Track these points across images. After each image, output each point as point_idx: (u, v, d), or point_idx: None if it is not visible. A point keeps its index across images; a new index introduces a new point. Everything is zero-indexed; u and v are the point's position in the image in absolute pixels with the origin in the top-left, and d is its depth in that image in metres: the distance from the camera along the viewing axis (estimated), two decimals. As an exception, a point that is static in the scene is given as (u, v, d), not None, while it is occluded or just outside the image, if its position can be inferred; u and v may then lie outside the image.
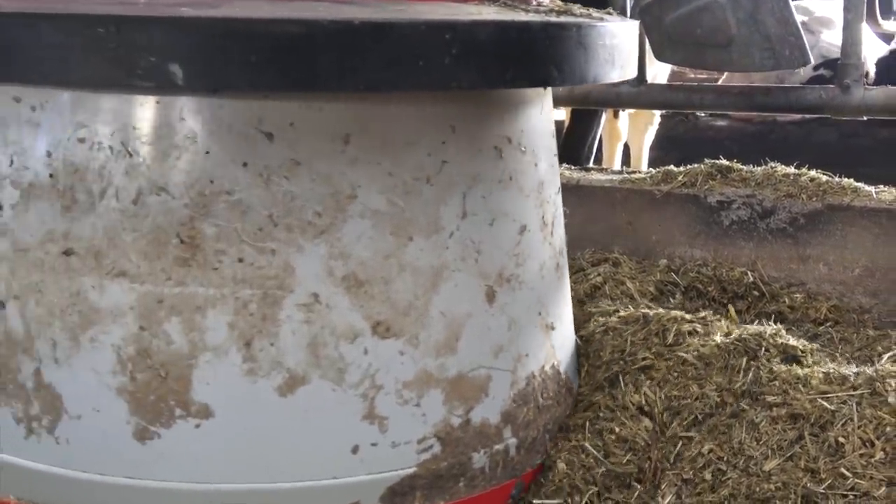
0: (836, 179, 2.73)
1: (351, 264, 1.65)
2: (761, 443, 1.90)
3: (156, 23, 1.42)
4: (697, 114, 6.34)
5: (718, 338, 2.15)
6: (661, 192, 2.93)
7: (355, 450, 1.70)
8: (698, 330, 2.20)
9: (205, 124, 1.58)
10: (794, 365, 2.06)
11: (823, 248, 2.73)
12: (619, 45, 1.77)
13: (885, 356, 2.15)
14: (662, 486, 1.90)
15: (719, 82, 5.22)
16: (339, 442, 1.70)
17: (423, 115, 1.69)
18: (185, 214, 1.60)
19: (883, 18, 6.26)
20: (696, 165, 2.92)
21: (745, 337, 2.14)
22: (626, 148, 5.12)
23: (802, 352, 2.09)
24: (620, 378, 2.11)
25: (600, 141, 4.70)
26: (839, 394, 1.96)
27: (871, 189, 2.68)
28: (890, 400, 1.91)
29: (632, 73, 1.87)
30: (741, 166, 2.87)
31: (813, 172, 2.77)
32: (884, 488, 1.78)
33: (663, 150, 3.90)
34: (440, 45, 1.48)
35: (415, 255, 1.69)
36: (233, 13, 1.46)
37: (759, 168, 2.85)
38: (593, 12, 1.91)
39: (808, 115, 4.75)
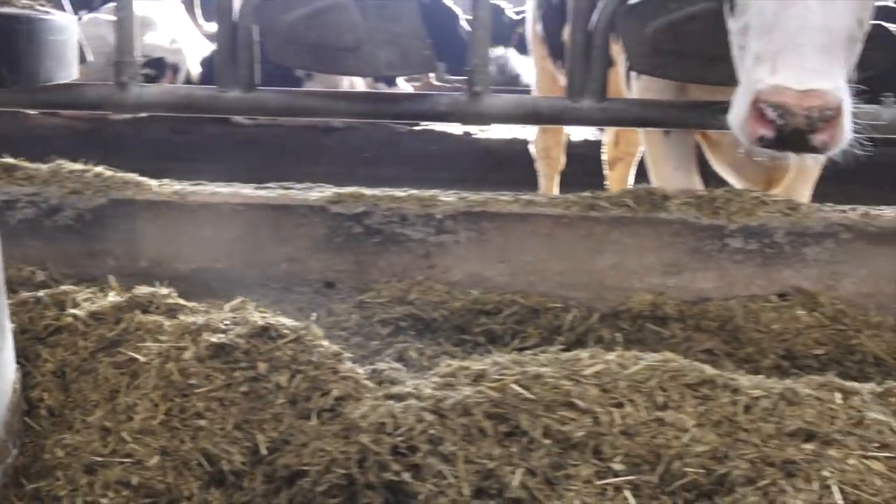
0: (122, 175, 2.95)
1: None
2: (100, 394, 1.93)
3: None
4: (28, 111, 5.79)
5: (112, 298, 2.22)
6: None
7: None
8: (92, 298, 2.25)
9: None
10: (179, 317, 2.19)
11: (111, 243, 2.93)
12: (68, 42, 1.76)
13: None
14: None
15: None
16: None
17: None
18: None
19: (206, 19, 6.55)
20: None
21: (139, 295, 2.24)
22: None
23: (192, 310, 2.25)
24: (28, 351, 2.05)
25: None
26: (163, 345, 2.01)
27: (154, 183, 2.97)
28: (185, 356, 1.97)
29: (76, 73, 1.86)
30: (27, 164, 2.90)
31: (99, 168, 2.95)
32: (156, 457, 1.80)
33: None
34: None
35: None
36: None
37: (45, 165, 2.91)
38: (35, 4, 1.80)
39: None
